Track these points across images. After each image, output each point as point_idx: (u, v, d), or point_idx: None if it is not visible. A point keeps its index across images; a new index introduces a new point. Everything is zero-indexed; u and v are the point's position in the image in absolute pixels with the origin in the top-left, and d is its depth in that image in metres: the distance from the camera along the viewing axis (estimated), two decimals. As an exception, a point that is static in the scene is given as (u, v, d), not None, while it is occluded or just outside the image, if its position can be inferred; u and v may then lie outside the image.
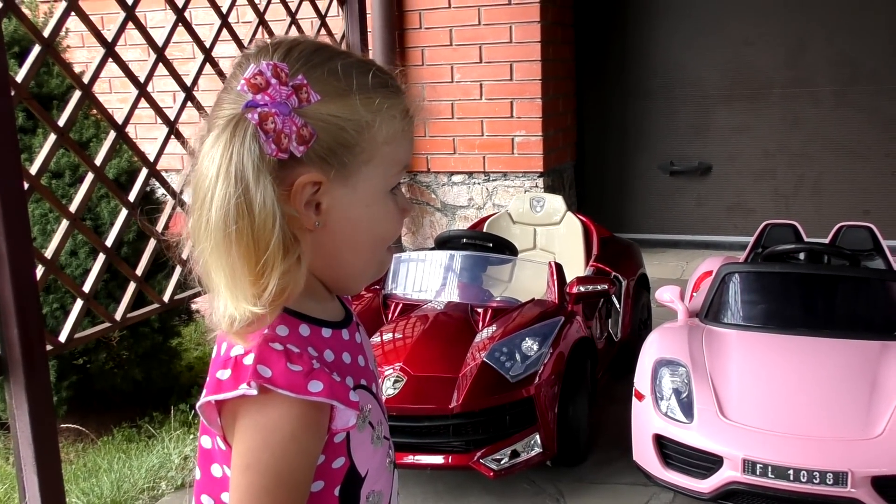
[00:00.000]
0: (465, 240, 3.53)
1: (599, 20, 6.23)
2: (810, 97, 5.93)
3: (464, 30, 5.63)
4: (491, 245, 3.49)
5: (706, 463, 2.57)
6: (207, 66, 3.88)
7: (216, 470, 1.00)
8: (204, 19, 4.72)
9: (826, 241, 3.70)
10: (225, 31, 4.08)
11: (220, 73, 3.93)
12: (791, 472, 2.42)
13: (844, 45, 5.77)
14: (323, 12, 4.78)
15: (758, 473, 2.47)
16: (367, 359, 1.05)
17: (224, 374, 0.90)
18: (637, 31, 6.20)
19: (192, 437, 3.45)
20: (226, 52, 4.15)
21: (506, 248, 3.47)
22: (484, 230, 4.00)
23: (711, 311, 3.12)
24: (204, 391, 0.94)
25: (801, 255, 3.25)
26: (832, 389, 2.63)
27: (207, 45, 3.89)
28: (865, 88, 5.79)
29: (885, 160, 5.83)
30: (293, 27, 4.54)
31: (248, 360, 0.89)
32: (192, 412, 3.58)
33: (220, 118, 0.91)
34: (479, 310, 3.21)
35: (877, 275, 3.11)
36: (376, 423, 1.03)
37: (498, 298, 3.33)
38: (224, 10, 3.98)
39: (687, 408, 2.67)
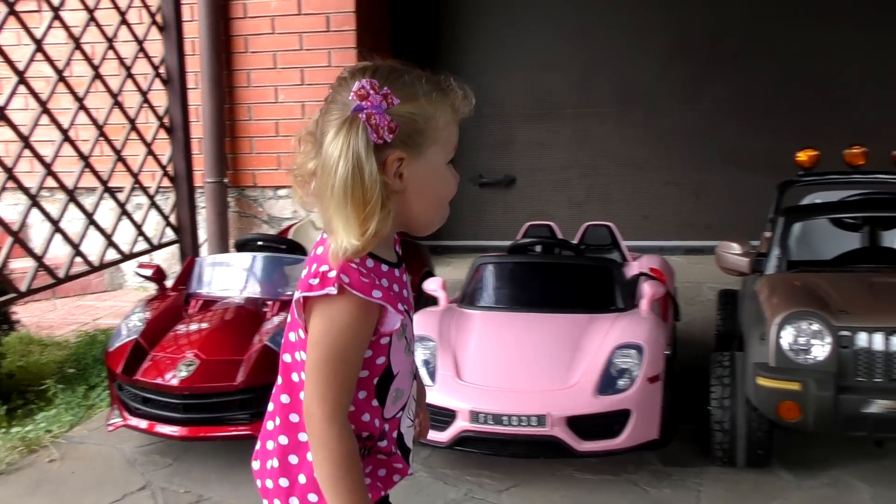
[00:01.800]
0: (260, 242, 4.01)
1: (415, 48, 6.78)
2: (597, 116, 6.76)
3: (287, 54, 6.13)
4: (284, 247, 3.99)
5: (444, 417, 3.13)
6: (21, 86, 4.22)
7: (298, 356, 1.40)
8: (15, 40, 4.98)
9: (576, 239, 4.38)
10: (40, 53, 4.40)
11: (34, 93, 4.26)
12: (504, 418, 3.02)
13: (623, 71, 6.62)
14: (142, 37, 5.17)
15: (481, 422, 3.06)
16: (408, 293, 1.48)
17: (314, 281, 1.32)
18: (450, 59, 6.83)
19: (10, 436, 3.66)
20: (43, 72, 4.52)
21: (297, 250, 3.97)
22: (290, 236, 4.49)
23: (466, 297, 3.72)
24: (297, 290, 1.35)
25: (538, 248, 3.91)
26: (543, 352, 3.26)
27: (21, 67, 4.23)
28: (642, 108, 6.65)
29: (659, 171, 6.71)
30: (113, 51, 4.90)
31: (332, 274, 1.31)
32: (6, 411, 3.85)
33: (333, 120, 1.32)
34: (270, 302, 3.68)
35: (585, 261, 3.82)
36: (409, 339, 1.47)
37: (288, 293, 3.81)
38: (39, 34, 4.33)
39: (432, 374, 3.24)
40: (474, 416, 3.07)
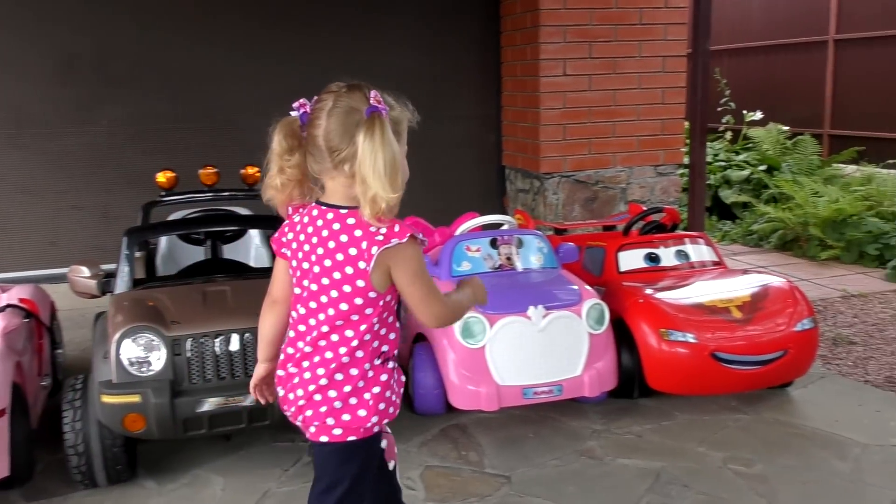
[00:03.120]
0: None
1: None
2: (-16, 141, 6.26)
3: None
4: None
5: None
6: None
7: (367, 310, 1.96)
8: None
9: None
10: None
11: None
12: None
13: (8, 94, 6.24)
14: None
15: None
16: None
17: (386, 234, 1.88)
18: None
19: None
20: None
21: None
22: None
23: None
24: (370, 247, 1.89)
25: None
26: None
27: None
28: (33, 132, 6.34)
29: (62, 195, 6.48)
30: None
31: (396, 227, 1.89)
32: None
33: (355, 121, 1.87)
34: None
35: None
36: None
37: None
38: None
39: None
40: None
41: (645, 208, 4.96)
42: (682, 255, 4.23)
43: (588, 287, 3.80)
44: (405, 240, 1.89)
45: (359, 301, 1.94)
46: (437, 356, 3.62)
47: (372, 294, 1.94)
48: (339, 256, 1.92)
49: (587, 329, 3.62)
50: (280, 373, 2.08)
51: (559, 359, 3.58)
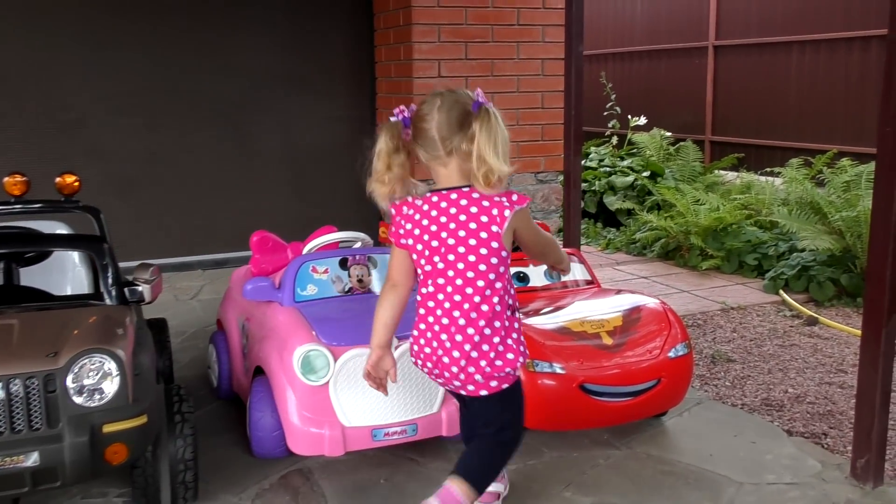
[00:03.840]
0: None
1: None
2: None
3: None
4: None
5: None
6: None
7: (501, 268, 2.45)
8: None
9: None
10: None
11: None
12: None
13: None
14: None
15: None
16: None
17: (514, 201, 2.40)
18: None
19: None
20: None
21: None
22: None
23: None
24: (502, 211, 2.38)
25: None
26: None
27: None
28: None
29: None
30: None
31: (514, 196, 2.40)
32: None
33: (468, 115, 2.34)
34: None
35: None
36: None
37: None
38: None
39: None
40: None
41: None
42: (553, 273, 3.92)
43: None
44: (525, 205, 2.42)
45: (494, 260, 2.41)
46: (274, 394, 3.18)
47: (504, 253, 2.42)
48: (472, 225, 2.38)
49: (445, 361, 3.25)
50: (424, 348, 2.55)
51: (414, 395, 3.19)
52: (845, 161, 7.48)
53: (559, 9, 6.35)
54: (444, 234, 2.40)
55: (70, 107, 6.13)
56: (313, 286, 3.45)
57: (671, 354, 3.45)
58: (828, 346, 5.04)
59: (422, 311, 2.53)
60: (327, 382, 3.09)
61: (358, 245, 3.81)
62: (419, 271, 2.51)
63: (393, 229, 2.52)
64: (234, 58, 6.47)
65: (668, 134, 9.49)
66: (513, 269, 3.86)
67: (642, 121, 9.85)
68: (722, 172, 9.08)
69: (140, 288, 3.08)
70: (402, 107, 2.45)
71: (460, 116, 2.33)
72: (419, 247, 2.45)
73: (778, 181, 8.12)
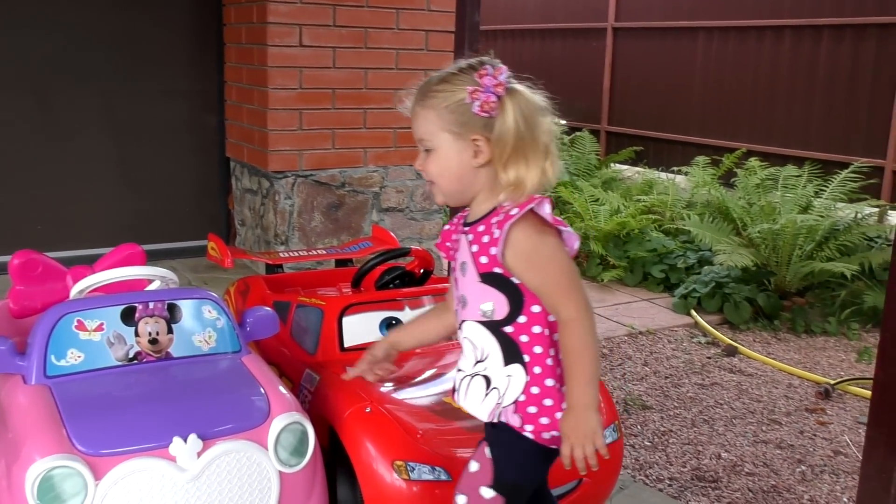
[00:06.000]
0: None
1: None
2: None
3: None
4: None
5: None
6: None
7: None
8: None
9: None
10: None
11: None
12: None
13: None
14: None
15: None
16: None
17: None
18: None
19: None
20: None
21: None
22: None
23: None
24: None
25: None
26: None
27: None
28: None
29: None
30: None
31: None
32: None
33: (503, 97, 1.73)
34: None
35: None
36: None
37: None
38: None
39: None
40: None
41: (391, 237, 3.58)
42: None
43: (283, 389, 2.35)
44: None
45: None
46: (0, 532, 2.02)
47: None
48: None
49: (276, 466, 2.19)
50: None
51: (232, 517, 2.11)
52: (754, 161, 6.81)
53: (448, -29, 5.31)
54: None
55: None
56: (77, 352, 2.28)
57: (596, 443, 2.50)
58: (753, 386, 4.28)
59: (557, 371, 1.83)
60: (84, 515, 1.96)
61: (156, 285, 2.66)
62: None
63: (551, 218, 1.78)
64: (47, 7, 5.10)
65: (563, 122, 8.64)
66: (379, 315, 2.83)
67: (534, 106, 8.95)
68: (619, 167, 8.32)
69: None
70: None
71: None
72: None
73: (680, 179, 7.41)
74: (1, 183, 5.23)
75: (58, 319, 2.29)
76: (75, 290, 2.49)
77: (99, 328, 2.32)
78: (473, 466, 1.91)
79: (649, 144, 8.79)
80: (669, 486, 3.24)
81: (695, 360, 4.60)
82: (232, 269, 5.26)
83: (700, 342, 4.88)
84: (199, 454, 2.08)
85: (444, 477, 2.27)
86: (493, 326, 1.82)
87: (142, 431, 2.08)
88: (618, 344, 4.81)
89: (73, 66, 5.29)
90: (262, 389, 2.30)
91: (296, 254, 3.62)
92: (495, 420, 1.85)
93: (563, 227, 1.77)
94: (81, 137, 5.41)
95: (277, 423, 2.20)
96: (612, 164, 8.32)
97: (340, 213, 5.32)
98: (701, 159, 7.25)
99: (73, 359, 2.27)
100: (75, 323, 2.30)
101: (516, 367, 1.81)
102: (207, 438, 2.10)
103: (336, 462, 2.50)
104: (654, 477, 3.30)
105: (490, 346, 1.83)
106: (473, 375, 1.88)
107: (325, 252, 3.87)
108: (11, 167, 5.24)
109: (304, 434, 2.24)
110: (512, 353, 1.81)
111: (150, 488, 2.02)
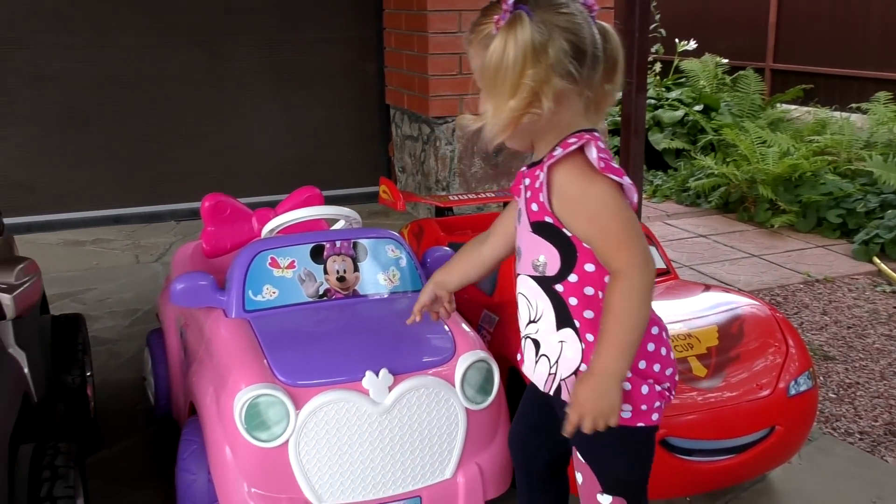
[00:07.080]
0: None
1: None
2: None
3: None
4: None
5: None
6: None
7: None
8: None
9: None
10: None
11: None
12: None
13: None
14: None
15: None
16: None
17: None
18: None
19: None
20: None
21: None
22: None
23: None
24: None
25: None
26: None
27: None
28: None
29: None
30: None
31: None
32: None
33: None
34: None
35: None
36: None
37: None
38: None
39: None
40: None
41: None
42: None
43: (466, 328, 2.35)
44: None
45: None
46: (208, 453, 2.14)
47: None
48: None
49: (462, 403, 2.20)
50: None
51: (417, 456, 2.15)
52: (945, 95, 6.24)
53: None
54: None
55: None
56: (272, 288, 2.36)
57: (791, 392, 2.38)
58: (950, 338, 3.96)
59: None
60: (286, 443, 2.05)
61: (341, 225, 2.71)
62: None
63: (603, 164, 1.53)
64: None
65: (724, 61, 8.20)
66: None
67: (692, 45, 8.53)
68: (787, 107, 7.84)
69: (-6, 298, 2.02)
70: None
71: None
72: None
73: (856, 117, 6.89)
74: (177, 133, 5.51)
75: (254, 256, 2.37)
76: (266, 230, 2.58)
77: (291, 265, 2.39)
78: (579, 478, 1.73)
79: (820, 81, 8.21)
80: (860, 440, 3.05)
81: (880, 310, 4.30)
82: (394, 216, 5.35)
83: (885, 290, 4.56)
84: (389, 388, 2.12)
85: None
86: (546, 283, 1.63)
87: (336, 365, 2.13)
88: (793, 292, 4.56)
89: (240, 18, 5.46)
90: (447, 327, 2.31)
91: (465, 196, 3.62)
92: (551, 392, 1.68)
93: (615, 176, 1.52)
94: (246, 89, 5.61)
95: (464, 361, 2.21)
96: (778, 105, 7.84)
97: (501, 158, 5.28)
98: (882, 95, 6.71)
99: (268, 294, 2.36)
100: (269, 260, 2.38)
101: (569, 333, 1.62)
102: (398, 374, 2.14)
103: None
104: (842, 430, 3.12)
105: (544, 305, 1.65)
106: (526, 338, 1.72)
107: (493, 195, 3.84)
108: (188, 114, 5.51)
109: (490, 372, 2.24)
110: (563, 316, 1.62)
111: (346, 419, 2.08)
